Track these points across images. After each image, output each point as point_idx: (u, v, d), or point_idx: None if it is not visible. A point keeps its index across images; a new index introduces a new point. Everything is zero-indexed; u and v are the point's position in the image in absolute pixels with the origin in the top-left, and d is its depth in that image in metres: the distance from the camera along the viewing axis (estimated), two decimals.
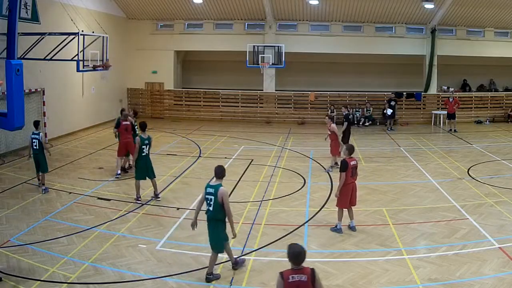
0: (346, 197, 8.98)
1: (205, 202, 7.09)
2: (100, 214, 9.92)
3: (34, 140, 11.40)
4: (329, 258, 7.94)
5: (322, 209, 10.40)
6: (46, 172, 11.69)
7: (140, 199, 10.76)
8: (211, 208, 6.99)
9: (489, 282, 6.90)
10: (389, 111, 22.19)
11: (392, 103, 22.55)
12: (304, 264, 4.73)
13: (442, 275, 7.17)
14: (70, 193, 11.32)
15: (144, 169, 10.69)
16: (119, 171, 13.05)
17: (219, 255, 7.29)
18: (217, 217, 7.01)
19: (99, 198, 10.99)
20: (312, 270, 4.86)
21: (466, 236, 8.71)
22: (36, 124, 11.84)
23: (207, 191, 7.03)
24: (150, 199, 10.93)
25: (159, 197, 11.02)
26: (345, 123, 15.38)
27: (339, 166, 9.40)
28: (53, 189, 11.65)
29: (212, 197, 6.94)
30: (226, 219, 7.04)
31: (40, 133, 11.57)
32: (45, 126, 17.47)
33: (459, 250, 8.08)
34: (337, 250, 8.26)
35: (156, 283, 7.03)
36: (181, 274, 7.29)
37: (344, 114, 16.31)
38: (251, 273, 7.34)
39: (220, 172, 7.07)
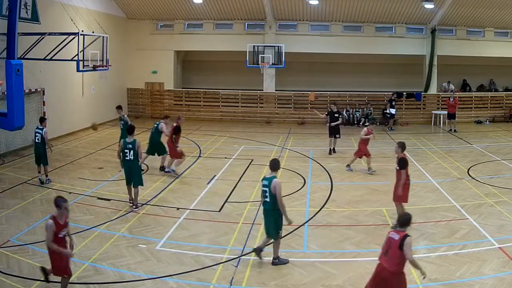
0: (408, 192, 9.33)
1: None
2: (100, 214, 9.91)
3: (37, 134, 12.04)
4: (329, 258, 7.94)
5: (322, 209, 10.40)
6: (46, 165, 12.21)
7: (132, 203, 10.37)
8: (267, 199, 7.51)
9: (489, 282, 6.91)
10: (393, 111, 22.16)
11: (393, 102, 22.46)
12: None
13: (442, 275, 7.17)
14: (70, 193, 11.32)
15: (127, 174, 10.29)
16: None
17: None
18: (272, 208, 7.47)
19: (99, 198, 10.99)
20: None
21: (466, 236, 8.72)
22: (41, 120, 12.45)
23: (263, 183, 7.57)
24: (150, 198, 10.94)
25: (135, 208, 10.18)
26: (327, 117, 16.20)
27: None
28: (53, 189, 11.65)
29: (267, 189, 7.44)
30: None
31: (44, 129, 12.05)
32: (45, 126, 17.47)
33: (459, 250, 8.09)
34: (337, 250, 8.26)
35: (156, 283, 7.03)
36: (181, 274, 7.29)
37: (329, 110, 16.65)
38: (251, 273, 7.35)
39: (274, 165, 7.66)
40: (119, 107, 15.59)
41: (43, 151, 12.03)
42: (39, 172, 12.19)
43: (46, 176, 12.18)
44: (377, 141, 15.37)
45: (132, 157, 10.18)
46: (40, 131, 12.00)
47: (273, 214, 7.51)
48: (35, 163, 12.30)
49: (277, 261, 7.62)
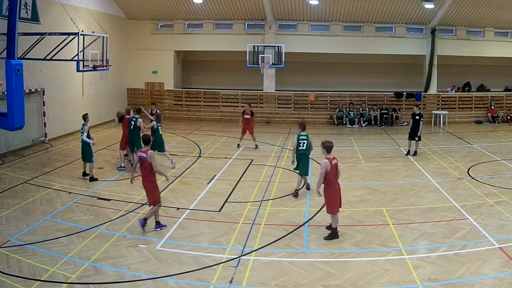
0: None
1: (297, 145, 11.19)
2: (100, 214, 9.91)
3: (81, 132, 12.59)
4: (329, 258, 7.94)
5: (322, 209, 10.39)
6: (88, 162, 12.54)
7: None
8: (303, 148, 11.20)
9: (489, 282, 6.90)
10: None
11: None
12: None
13: (442, 275, 7.17)
14: (70, 193, 11.32)
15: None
16: (123, 164, 13.64)
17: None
18: (306, 153, 11.27)
19: (99, 198, 10.99)
20: None
21: (466, 236, 8.71)
22: (84, 116, 12.77)
23: (301, 138, 11.22)
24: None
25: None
26: None
27: None
28: (53, 189, 11.65)
29: (305, 141, 11.20)
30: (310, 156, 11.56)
31: (85, 126, 12.47)
32: (45, 126, 17.50)
33: (459, 250, 8.08)
34: (337, 250, 8.26)
35: (156, 283, 7.03)
36: (181, 274, 7.29)
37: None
38: (251, 273, 7.34)
39: (304, 127, 11.40)
40: (153, 103, 17.63)
41: (88, 148, 12.42)
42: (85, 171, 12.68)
43: (87, 175, 12.53)
44: (376, 141, 15.43)
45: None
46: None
47: (306, 157, 11.33)
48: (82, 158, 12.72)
49: (297, 193, 11.27)
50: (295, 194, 11.19)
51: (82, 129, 12.58)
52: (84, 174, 12.69)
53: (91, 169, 12.50)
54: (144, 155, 8.97)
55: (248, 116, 16.90)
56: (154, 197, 9.07)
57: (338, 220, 8.83)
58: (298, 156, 11.20)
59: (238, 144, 17.03)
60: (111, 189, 11.82)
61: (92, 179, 12.35)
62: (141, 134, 13.52)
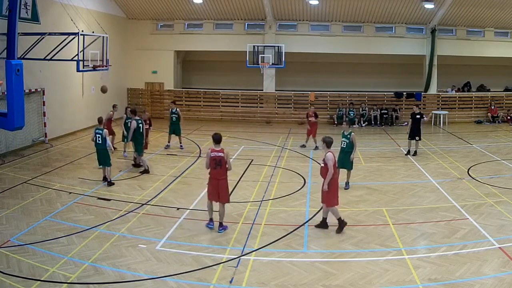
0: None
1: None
2: (100, 214, 9.91)
3: (97, 135, 12.09)
4: (329, 258, 7.94)
5: (322, 209, 10.38)
6: (106, 166, 12.20)
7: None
8: (345, 146, 11.87)
9: (489, 282, 6.90)
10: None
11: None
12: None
13: (442, 275, 7.17)
14: (70, 193, 11.32)
15: None
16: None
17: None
18: (350, 150, 11.78)
19: (99, 198, 10.99)
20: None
21: (466, 236, 8.71)
22: (100, 120, 12.44)
23: (345, 135, 11.85)
24: (150, 199, 10.93)
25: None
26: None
27: None
28: (53, 189, 11.65)
29: (348, 140, 11.80)
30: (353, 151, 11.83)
31: (104, 130, 12.15)
32: (45, 126, 17.50)
33: (459, 250, 8.08)
34: (337, 250, 8.26)
35: (156, 283, 7.03)
36: (181, 274, 7.29)
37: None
38: (251, 273, 7.34)
39: (352, 122, 11.42)
40: (173, 102, 17.75)
41: (105, 151, 12.12)
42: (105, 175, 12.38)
43: (105, 179, 12.29)
44: (376, 141, 15.44)
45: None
46: (101, 132, 12.03)
47: (349, 154, 11.74)
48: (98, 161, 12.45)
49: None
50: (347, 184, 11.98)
51: (98, 132, 12.07)
52: (105, 179, 12.29)
53: (109, 173, 12.30)
54: (221, 154, 8.84)
55: (313, 118, 17.00)
56: (228, 196, 9.17)
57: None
58: (343, 151, 11.90)
59: (304, 145, 17.26)
60: (111, 189, 11.82)
61: (110, 183, 12.10)
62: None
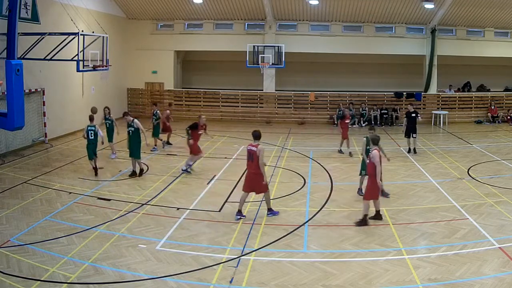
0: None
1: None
2: (100, 214, 9.91)
3: (90, 132, 12.94)
4: (329, 258, 7.94)
5: (322, 209, 10.40)
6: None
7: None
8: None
9: (489, 282, 6.90)
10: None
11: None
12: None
13: (442, 275, 7.17)
14: (70, 193, 11.32)
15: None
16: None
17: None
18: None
19: (99, 198, 10.99)
20: None
21: (466, 236, 8.71)
22: (91, 118, 13.38)
23: (366, 137, 11.01)
24: (150, 199, 10.94)
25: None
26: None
27: None
28: (53, 189, 11.65)
29: (365, 140, 11.11)
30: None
31: (96, 125, 13.14)
32: (45, 126, 17.50)
33: (459, 250, 8.08)
34: (337, 250, 8.26)
35: (156, 283, 7.03)
36: (181, 274, 7.30)
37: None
38: (251, 273, 7.34)
39: (375, 135, 10.30)
40: (154, 104, 17.98)
41: (93, 146, 12.96)
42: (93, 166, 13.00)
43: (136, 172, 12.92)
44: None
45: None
46: (93, 128, 12.98)
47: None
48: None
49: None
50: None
51: (91, 129, 12.94)
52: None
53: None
54: (254, 148, 9.55)
55: (348, 121, 16.56)
56: (263, 187, 9.72)
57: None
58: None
59: (340, 150, 16.31)
60: (111, 189, 11.82)
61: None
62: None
